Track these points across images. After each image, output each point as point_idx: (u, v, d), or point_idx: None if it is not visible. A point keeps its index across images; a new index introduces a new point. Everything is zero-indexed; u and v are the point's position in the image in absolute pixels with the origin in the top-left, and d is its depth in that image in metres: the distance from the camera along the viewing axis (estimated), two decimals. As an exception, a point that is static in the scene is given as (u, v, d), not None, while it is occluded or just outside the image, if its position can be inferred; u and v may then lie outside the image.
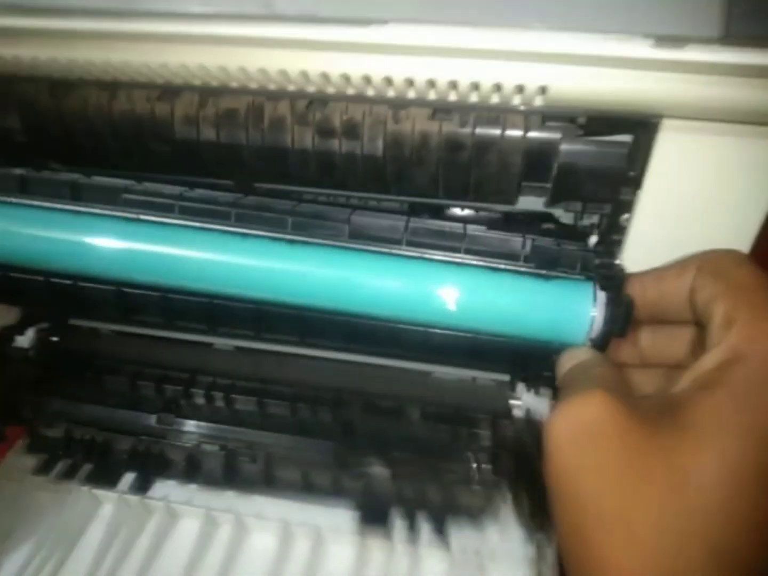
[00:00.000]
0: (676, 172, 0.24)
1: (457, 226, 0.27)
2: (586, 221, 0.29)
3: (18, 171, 0.30)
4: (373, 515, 0.32)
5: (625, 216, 0.26)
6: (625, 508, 0.18)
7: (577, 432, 0.20)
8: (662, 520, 0.18)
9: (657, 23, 0.19)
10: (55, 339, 0.38)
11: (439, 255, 0.26)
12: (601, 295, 0.24)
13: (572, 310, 0.24)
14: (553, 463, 0.20)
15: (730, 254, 0.22)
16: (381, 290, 0.25)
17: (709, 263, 0.22)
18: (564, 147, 0.26)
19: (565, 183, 0.26)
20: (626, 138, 0.25)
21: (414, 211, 0.33)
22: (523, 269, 0.25)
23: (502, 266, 0.25)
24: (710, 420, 0.19)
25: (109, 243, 0.27)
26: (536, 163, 0.26)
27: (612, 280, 0.24)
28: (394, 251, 0.26)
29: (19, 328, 0.39)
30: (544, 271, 0.24)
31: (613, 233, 0.27)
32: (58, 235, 0.28)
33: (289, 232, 0.27)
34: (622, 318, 0.23)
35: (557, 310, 0.24)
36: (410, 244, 0.26)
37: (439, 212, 0.33)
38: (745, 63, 0.19)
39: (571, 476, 0.20)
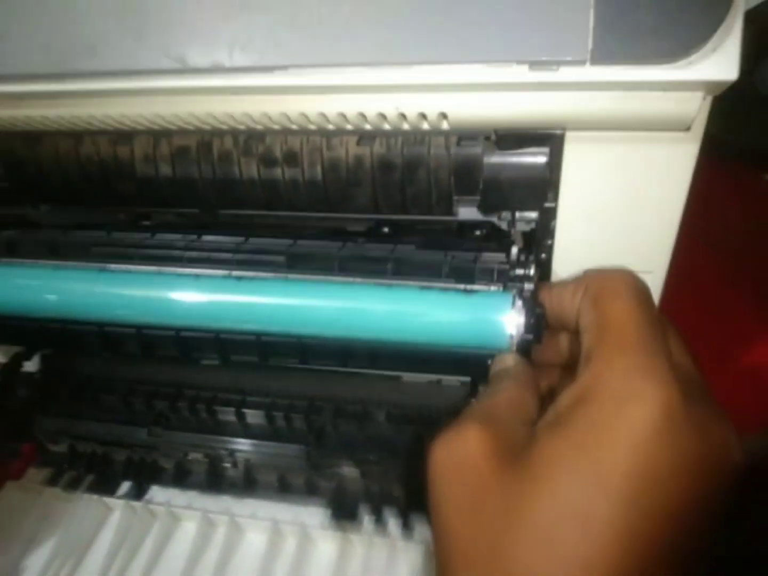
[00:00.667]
0: (586, 179, 0.25)
1: (386, 248, 0.28)
2: (521, 228, 0.30)
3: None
4: (343, 512, 0.34)
5: (552, 222, 0.27)
6: (473, 550, 0.18)
7: (449, 465, 0.20)
8: (503, 565, 0.17)
9: (533, 51, 0.20)
10: (57, 363, 0.41)
11: (369, 277, 0.28)
12: (515, 306, 0.25)
13: (490, 322, 0.25)
14: (430, 492, 0.20)
15: (615, 282, 0.22)
16: (322, 314, 0.27)
17: (593, 288, 0.22)
18: (486, 161, 0.27)
19: (491, 195, 0.28)
20: (544, 149, 0.27)
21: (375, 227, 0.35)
22: (445, 285, 0.27)
23: (427, 284, 0.27)
24: (547, 462, 0.18)
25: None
26: (462, 178, 0.28)
27: (525, 292, 0.25)
28: (330, 278, 0.29)
29: (27, 354, 0.42)
30: (464, 286, 0.26)
31: (545, 238, 0.28)
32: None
33: (235, 269, 0.30)
34: (535, 327, 0.24)
35: (477, 322, 0.25)
36: (343, 270, 0.29)
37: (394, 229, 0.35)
38: (613, 80, 0.20)
39: (441, 509, 0.19)
